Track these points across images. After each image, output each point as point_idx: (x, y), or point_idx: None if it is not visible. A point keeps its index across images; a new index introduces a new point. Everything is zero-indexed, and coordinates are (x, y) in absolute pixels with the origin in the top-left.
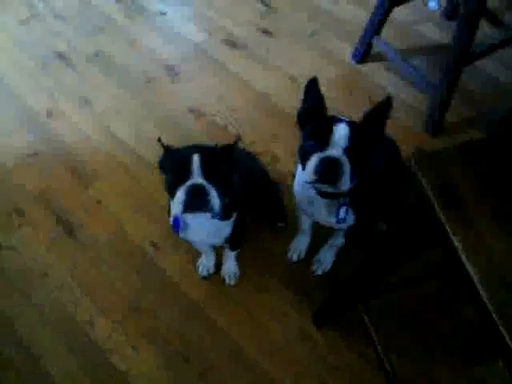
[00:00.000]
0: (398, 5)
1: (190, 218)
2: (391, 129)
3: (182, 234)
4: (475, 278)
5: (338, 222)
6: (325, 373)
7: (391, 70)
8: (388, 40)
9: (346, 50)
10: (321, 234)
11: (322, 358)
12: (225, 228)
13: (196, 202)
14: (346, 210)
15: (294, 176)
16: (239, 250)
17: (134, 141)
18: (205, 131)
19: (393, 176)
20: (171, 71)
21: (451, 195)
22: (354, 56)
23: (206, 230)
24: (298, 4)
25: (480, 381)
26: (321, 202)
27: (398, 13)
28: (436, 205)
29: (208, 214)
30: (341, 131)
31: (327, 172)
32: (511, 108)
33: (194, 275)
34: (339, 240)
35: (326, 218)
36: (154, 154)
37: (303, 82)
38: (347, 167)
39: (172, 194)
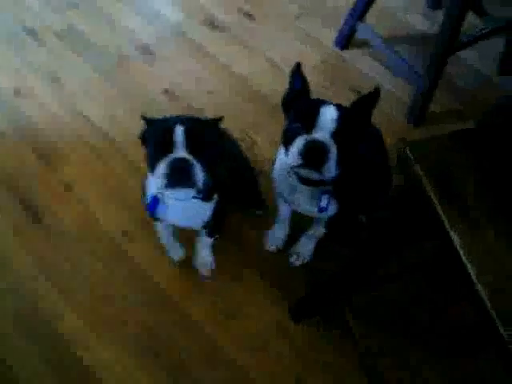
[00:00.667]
0: None
1: (169, 196)
2: (372, 117)
3: (159, 215)
4: (468, 266)
5: (319, 210)
6: (302, 370)
7: (375, 58)
8: (372, 27)
9: (330, 36)
10: (300, 225)
11: (300, 354)
12: (205, 211)
13: (179, 176)
14: (328, 198)
15: (273, 163)
16: (216, 238)
17: (106, 124)
18: (179, 113)
19: (376, 165)
20: (147, 51)
21: (448, 185)
22: (337, 42)
23: (185, 211)
24: None
25: (467, 373)
26: (302, 189)
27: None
28: (432, 194)
29: (189, 193)
30: (328, 114)
31: (312, 156)
32: (502, 98)
33: (167, 266)
34: (319, 230)
35: (307, 207)
36: (128, 138)
37: (285, 67)
38: (333, 152)
39: (153, 167)
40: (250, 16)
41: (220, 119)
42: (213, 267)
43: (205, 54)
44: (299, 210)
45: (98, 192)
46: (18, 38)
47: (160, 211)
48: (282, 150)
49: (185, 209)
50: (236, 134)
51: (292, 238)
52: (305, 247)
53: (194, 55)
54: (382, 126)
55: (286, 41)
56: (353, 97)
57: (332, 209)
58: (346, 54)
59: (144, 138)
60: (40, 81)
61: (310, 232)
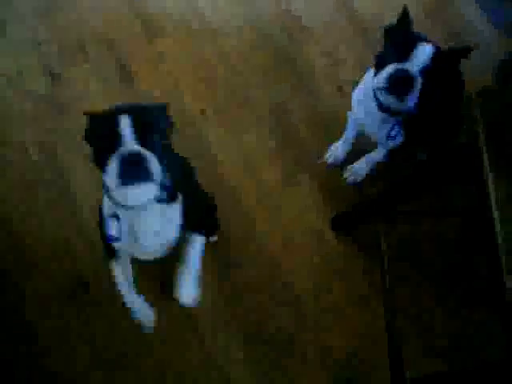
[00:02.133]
0: None
1: (129, 206)
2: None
3: (122, 244)
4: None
5: (387, 138)
6: (327, 272)
7: (482, 7)
8: None
9: None
10: (364, 148)
11: (329, 258)
12: (175, 215)
13: (133, 170)
14: (399, 129)
15: (356, 83)
16: (214, 241)
17: (209, 10)
18: (279, 17)
19: (450, 111)
20: None
21: (500, 141)
22: None
23: (152, 223)
24: None
25: (475, 322)
26: (377, 115)
27: None
28: (484, 148)
29: (150, 192)
30: (425, 51)
31: (398, 83)
32: None
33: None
34: (379, 155)
35: (377, 132)
36: (224, 30)
37: None
38: (418, 86)
39: (102, 167)
40: None
41: (167, 104)
42: (195, 303)
43: None
44: (368, 133)
45: (187, 70)
46: None
47: (124, 234)
48: (369, 72)
49: (152, 221)
50: (326, 48)
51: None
52: (361, 167)
53: None
54: (468, 78)
55: None
56: (447, 39)
57: (399, 139)
58: None
59: (88, 137)
60: None
61: (370, 155)
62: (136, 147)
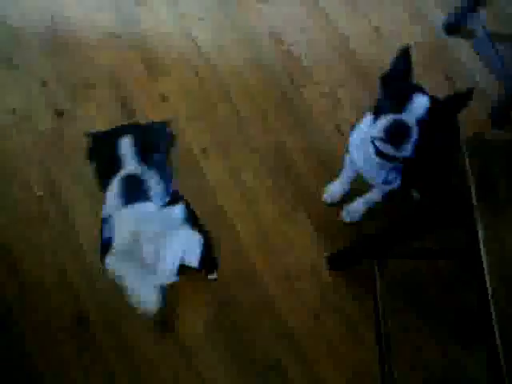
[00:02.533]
0: None
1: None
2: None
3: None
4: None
5: (383, 182)
6: (321, 308)
7: (475, 50)
8: (482, 19)
9: (439, 17)
10: (360, 187)
11: (324, 295)
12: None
13: (134, 193)
14: (395, 174)
15: (353, 127)
16: (214, 278)
17: (211, 49)
18: (279, 58)
19: (447, 156)
20: None
21: (488, 185)
22: (445, 25)
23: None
24: None
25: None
26: (374, 160)
27: None
28: (473, 190)
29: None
30: (421, 102)
31: (395, 134)
32: None
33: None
34: (376, 196)
35: (374, 176)
36: (227, 68)
37: (386, 36)
38: (414, 136)
39: (104, 187)
40: None
41: (168, 123)
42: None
43: (316, 5)
44: (365, 177)
45: (189, 108)
46: None
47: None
48: (367, 117)
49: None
50: (325, 88)
51: (349, 199)
52: (357, 208)
53: (305, 3)
54: (464, 120)
55: (395, 11)
56: (444, 82)
57: (395, 184)
58: (450, 38)
59: (91, 156)
60: None
61: (367, 196)
62: (136, 168)
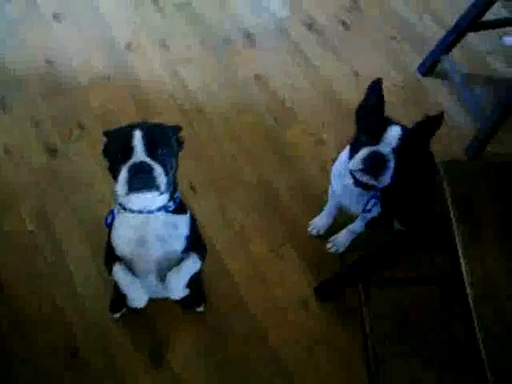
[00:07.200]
0: (474, 31)
1: (138, 220)
2: (432, 143)
3: (127, 246)
4: (468, 289)
5: (363, 211)
6: (309, 341)
7: (451, 90)
8: (455, 61)
9: (415, 61)
10: (345, 219)
11: (313, 327)
12: (182, 225)
13: (141, 179)
14: (375, 202)
15: (335, 160)
16: (201, 311)
17: (197, 90)
18: (263, 100)
19: (424, 184)
20: (249, 38)
21: (467, 208)
22: (420, 68)
23: (160, 229)
24: (385, 11)
25: None
26: (354, 190)
27: (472, 38)
28: (452, 214)
29: (155, 200)
30: (394, 132)
31: (373, 165)
32: None
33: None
34: (358, 226)
35: (354, 206)
36: (216, 110)
37: (365, 80)
38: (391, 165)
39: (115, 176)
40: (346, 25)
41: (179, 127)
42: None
43: (299, 51)
44: (346, 206)
45: None
46: (142, 1)
47: (130, 241)
48: (346, 151)
49: (158, 226)
50: (310, 129)
51: (334, 230)
52: (342, 239)
53: (289, 51)
54: (441, 155)
55: (373, 56)
56: None
57: (375, 211)
58: (426, 80)
59: (106, 152)
60: (151, 41)
61: (350, 227)
62: (145, 158)
